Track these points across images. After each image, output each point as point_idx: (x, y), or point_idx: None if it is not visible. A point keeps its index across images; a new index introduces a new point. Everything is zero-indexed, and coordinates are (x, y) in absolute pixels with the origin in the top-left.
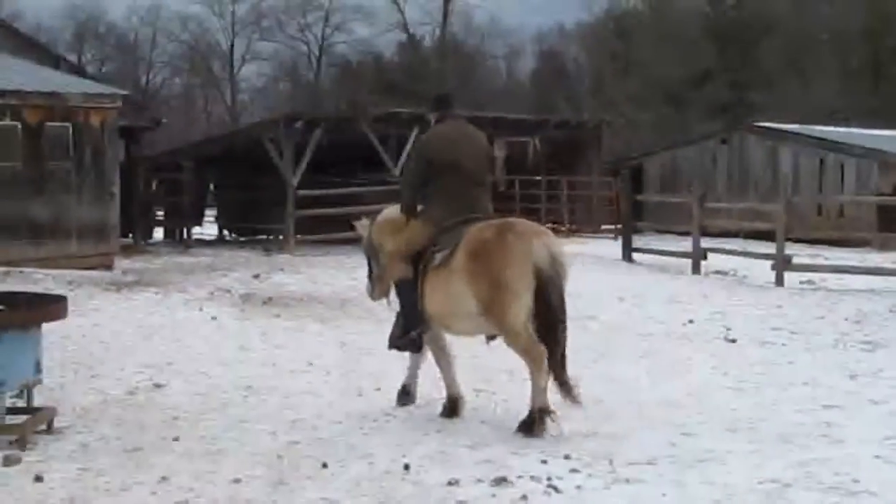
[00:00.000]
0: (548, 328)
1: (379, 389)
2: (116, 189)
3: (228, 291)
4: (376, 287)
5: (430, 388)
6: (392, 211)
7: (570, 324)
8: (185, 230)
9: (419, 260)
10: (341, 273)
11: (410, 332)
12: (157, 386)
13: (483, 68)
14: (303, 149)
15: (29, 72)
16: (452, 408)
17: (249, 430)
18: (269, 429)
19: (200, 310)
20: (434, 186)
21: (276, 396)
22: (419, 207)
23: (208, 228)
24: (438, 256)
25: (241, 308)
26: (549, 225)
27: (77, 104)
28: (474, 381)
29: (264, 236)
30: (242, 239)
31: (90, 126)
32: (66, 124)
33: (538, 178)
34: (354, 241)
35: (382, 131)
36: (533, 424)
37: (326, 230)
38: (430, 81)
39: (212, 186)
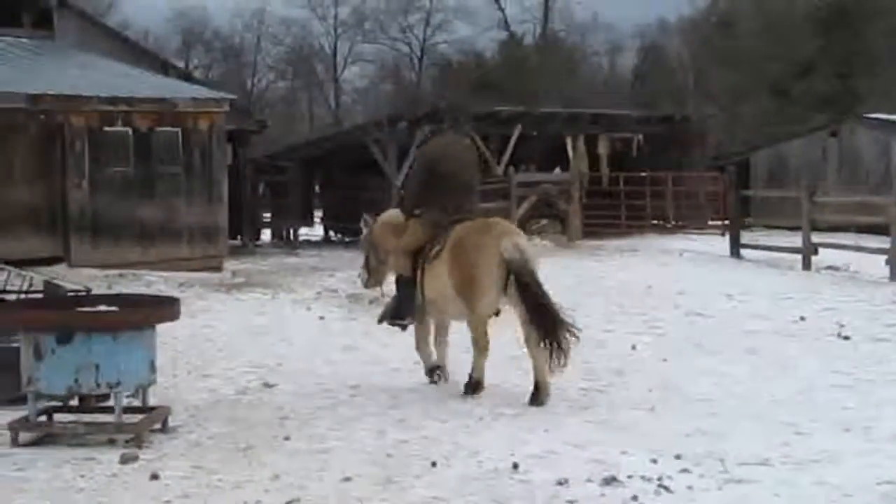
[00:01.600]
0: (534, 306)
1: (485, 388)
2: (224, 191)
3: (335, 292)
4: (371, 277)
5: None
6: (393, 213)
7: (677, 319)
8: (291, 231)
9: (418, 256)
10: None
11: (402, 318)
12: (267, 385)
13: (584, 64)
14: (406, 149)
15: (139, 79)
16: (430, 376)
17: (357, 429)
18: (377, 427)
19: (308, 310)
20: (433, 192)
21: (382, 395)
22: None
23: (316, 229)
24: (434, 251)
25: (348, 308)
26: (655, 221)
27: (185, 109)
28: (580, 381)
29: None
30: (348, 239)
31: (198, 130)
32: (176, 129)
33: (642, 174)
34: None
35: (485, 130)
36: (475, 388)
37: None
38: (531, 78)
39: (317, 187)
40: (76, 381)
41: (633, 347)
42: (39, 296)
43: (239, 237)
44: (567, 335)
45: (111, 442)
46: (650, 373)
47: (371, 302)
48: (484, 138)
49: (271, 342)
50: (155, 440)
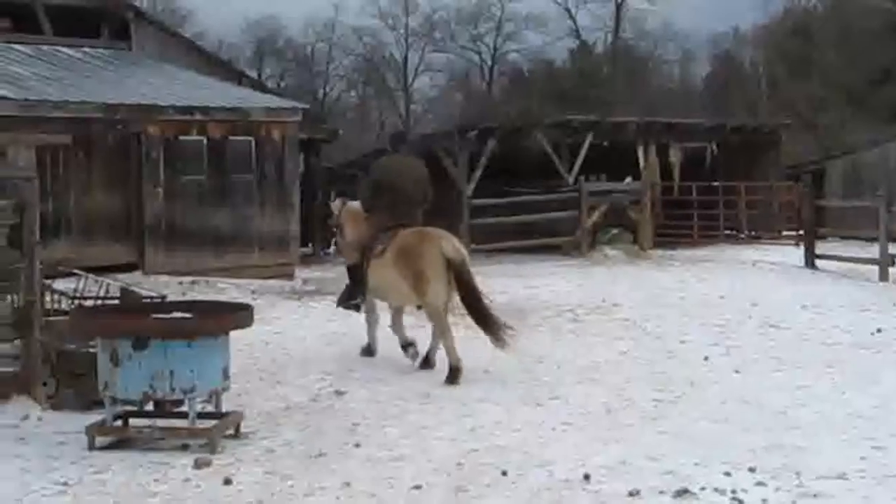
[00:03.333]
0: (471, 299)
1: (556, 398)
2: (296, 200)
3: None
4: (343, 253)
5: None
6: (357, 204)
7: (752, 331)
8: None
9: (365, 250)
10: (516, 282)
11: (354, 299)
12: (339, 393)
13: (656, 73)
14: (476, 158)
15: (213, 88)
16: (369, 351)
17: (428, 438)
18: (448, 436)
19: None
20: (378, 200)
21: (453, 404)
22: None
23: None
24: (379, 249)
25: (418, 317)
26: (727, 232)
27: (259, 118)
28: (653, 392)
29: None
30: None
31: (271, 139)
32: (249, 138)
33: (715, 183)
34: (530, 251)
35: (555, 139)
36: (455, 375)
37: (500, 239)
38: (602, 87)
39: None
40: (151, 386)
41: (706, 359)
42: (116, 302)
43: (310, 245)
44: (497, 328)
45: (185, 447)
46: (724, 384)
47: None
48: (555, 147)
49: (343, 349)
50: (228, 446)
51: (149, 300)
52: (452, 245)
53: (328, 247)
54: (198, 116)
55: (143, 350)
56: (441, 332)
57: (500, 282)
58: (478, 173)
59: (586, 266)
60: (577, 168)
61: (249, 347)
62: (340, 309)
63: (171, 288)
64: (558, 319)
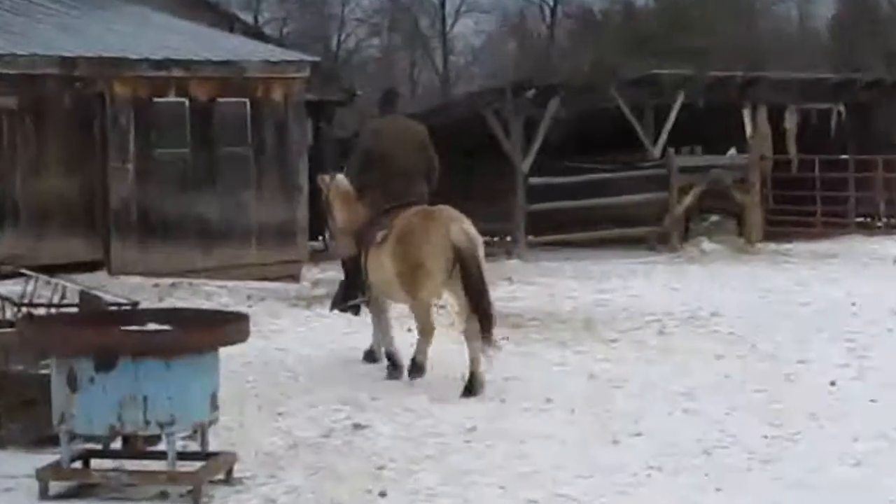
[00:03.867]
0: (474, 295)
1: (639, 434)
2: (304, 180)
3: (444, 307)
4: (336, 242)
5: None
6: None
7: (893, 348)
8: None
9: (361, 237)
10: (586, 284)
11: (351, 299)
12: (358, 427)
13: (767, 15)
14: (534, 124)
15: (197, 36)
16: (394, 364)
17: (474, 485)
18: (498, 482)
19: (409, 330)
20: (370, 174)
21: (505, 441)
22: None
23: None
24: (379, 235)
25: (461, 329)
26: (860, 219)
27: (255, 75)
28: (764, 427)
29: (487, 238)
30: None
31: (272, 101)
32: (243, 100)
33: (844, 156)
34: (604, 244)
35: (637, 100)
36: (417, 370)
37: (566, 229)
38: (697, 34)
39: None
40: (119, 418)
41: (833, 384)
42: (74, 310)
43: (321, 238)
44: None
45: (163, 496)
46: (856, 417)
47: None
48: (636, 110)
49: (363, 371)
50: (217, 494)
51: (116, 308)
52: (463, 229)
53: None
54: (178, 72)
55: (109, 371)
56: (425, 334)
57: (564, 284)
58: (536, 145)
59: (677, 263)
60: (664, 137)
61: (245, 368)
62: (336, 312)
63: (145, 292)
64: (641, 332)
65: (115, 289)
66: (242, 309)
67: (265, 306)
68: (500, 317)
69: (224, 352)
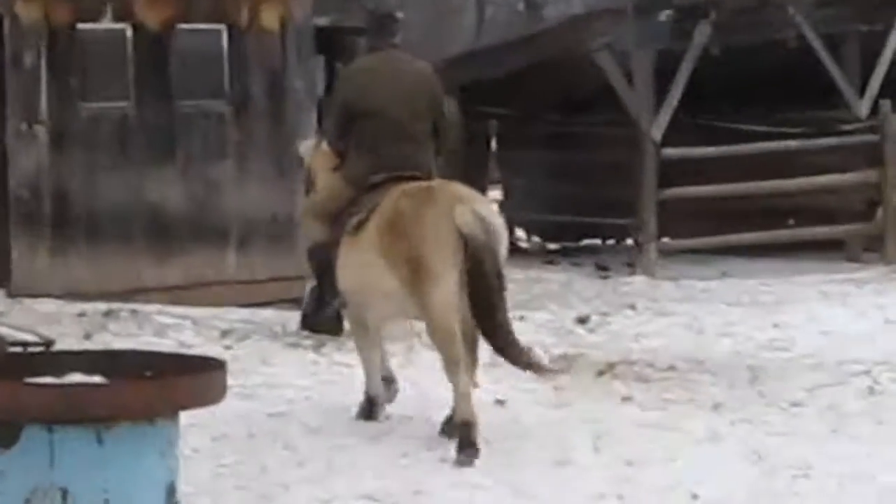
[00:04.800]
0: (482, 308)
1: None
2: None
3: (521, 319)
4: (302, 225)
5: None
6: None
7: None
8: None
9: (335, 223)
10: (750, 313)
11: (325, 312)
12: None
13: None
14: (671, 67)
15: None
16: (369, 409)
17: None
18: None
19: (475, 386)
20: (353, 136)
21: None
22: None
23: None
24: (354, 220)
25: (554, 383)
26: None
27: None
28: None
29: (597, 240)
30: (553, 246)
31: (261, 29)
32: (217, 27)
33: None
34: (777, 251)
35: (827, 27)
36: (468, 437)
37: (716, 227)
38: None
39: (493, 144)
40: None
41: None
42: None
43: None
44: (527, 358)
45: None
46: None
47: (601, 373)
48: (829, 43)
49: (400, 446)
50: None
51: (20, 349)
52: (474, 211)
53: None
54: None
55: (9, 448)
56: (451, 365)
57: (718, 314)
58: (675, 96)
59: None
60: (875, 86)
61: (219, 444)
62: (307, 334)
63: (65, 324)
64: (838, 391)
65: (17, 318)
66: (215, 351)
67: (251, 347)
68: (625, 365)
69: (187, 418)
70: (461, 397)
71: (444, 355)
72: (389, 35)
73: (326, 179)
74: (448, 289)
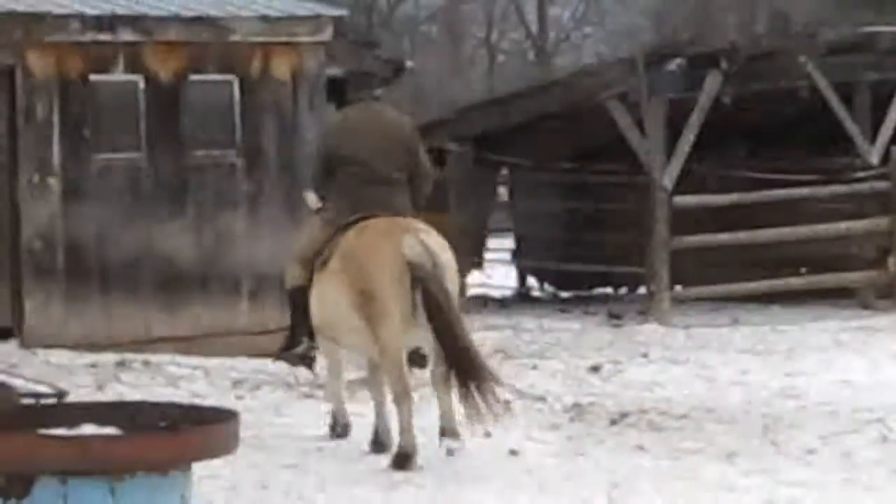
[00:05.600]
0: (440, 333)
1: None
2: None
3: (542, 399)
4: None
5: None
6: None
7: None
8: None
9: (311, 261)
10: (765, 363)
11: (296, 345)
12: None
13: None
14: (682, 116)
15: None
16: (335, 428)
17: None
18: None
19: (487, 436)
20: (333, 182)
21: None
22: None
23: (502, 273)
24: (321, 258)
25: (568, 433)
26: None
27: (248, 38)
28: None
29: (609, 289)
30: (566, 294)
31: (273, 80)
32: (228, 77)
33: None
34: (789, 299)
35: (841, 75)
36: (403, 461)
37: (727, 275)
38: None
39: (505, 192)
40: None
41: None
42: None
43: None
44: (487, 381)
45: None
46: None
47: (614, 422)
48: (839, 91)
49: (415, 496)
50: None
51: (33, 400)
52: (420, 242)
53: None
54: (127, 35)
55: (22, 500)
56: (398, 395)
57: (731, 363)
58: (686, 144)
59: None
60: (886, 135)
61: (231, 494)
62: (283, 365)
63: (77, 375)
64: (852, 440)
65: (30, 369)
66: (228, 402)
67: (263, 397)
68: (639, 414)
69: (200, 469)
70: (406, 428)
71: (393, 386)
72: (368, 88)
73: (309, 224)
74: (395, 320)
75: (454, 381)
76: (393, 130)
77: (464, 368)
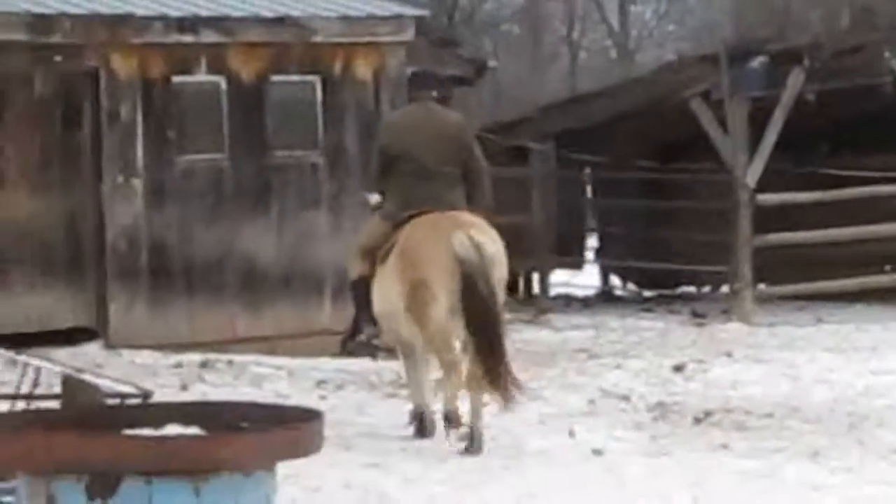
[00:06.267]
0: (478, 329)
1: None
2: None
3: (626, 398)
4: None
5: None
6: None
7: None
8: (536, 277)
9: (372, 254)
10: (852, 361)
11: (358, 334)
12: None
13: None
14: (765, 113)
15: None
16: (419, 425)
17: None
18: None
19: (571, 435)
20: (389, 178)
21: None
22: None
23: (586, 272)
24: (382, 252)
25: (651, 432)
26: None
27: (329, 39)
28: None
29: (692, 288)
30: (648, 294)
31: (355, 80)
32: (310, 78)
33: None
34: (876, 297)
35: None
36: (448, 419)
37: (816, 273)
38: None
39: (589, 190)
40: None
41: None
42: (53, 404)
43: None
44: (509, 381)
45: None
46: None
47: (698, 421)
48: None
49: (498, 492)
50: None
51: (118, 401)
52: (470, 237)
53: None
54: (209, 37)
55: (109, 499)
56: (446, 371)
57: (816, 361)
58: (769, 142)
59: None
60: None
61: (316, 494)
62: (349, 358)
63: (161, 375)
64: None
65: (114, 370)
66: (311, 401)
67: (347, 397)
68: (723, 413)
69: (284, 469)
70: (451, 394)
71: (440, 359)
72: (426, 89)
73: (370, 220)
74: (443, 305)
75: (489, 381)
76: (442, 127)
77: (492, 367)
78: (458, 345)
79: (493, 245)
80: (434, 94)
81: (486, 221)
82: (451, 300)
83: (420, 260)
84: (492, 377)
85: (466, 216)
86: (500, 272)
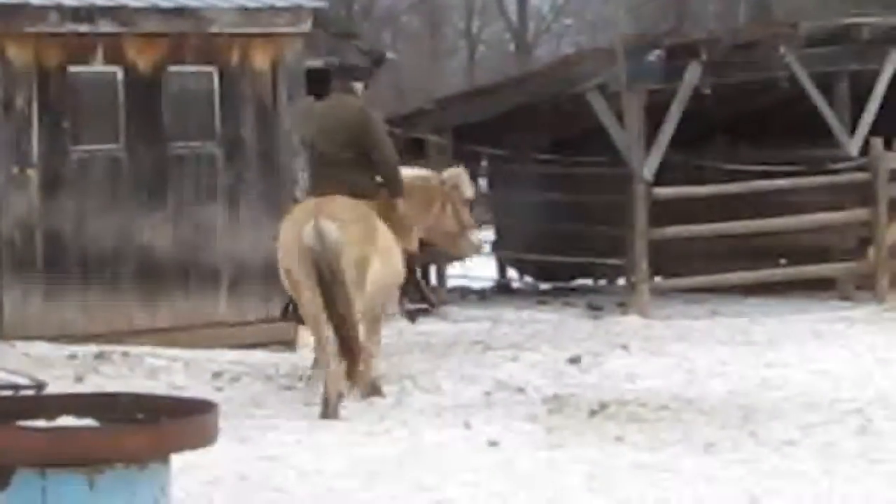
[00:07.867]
0: (326, 298)
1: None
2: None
3: (521, 391)
4: None
5: None
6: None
7: None
8: (432, 270)
9: None
10: (742, 353)
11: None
12: None
13: None
14: (661, 105)
15: None
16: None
17: None
18: None
19: (467, 427)
20: (309, 164)
21: None
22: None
23: (481, 265)
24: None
25: (547, 424)
26: None
27: (227, 30)
28: None
29: (588, 281)
30: (545, 286)
31: (253, 71)
32: (208, 69)
33: None
34: (769, 291)
35: (821, 64)
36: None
37: (707, 267)
38: None
39: (484, 183)
40: None
41: None
42: None
43: None
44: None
45: None
46: None
47: (593, 413)
48: (819, 82)
49: (392, 486)
50: None
51: (11, 392)
52: (317, 227)
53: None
54: (105, 26)
55: (1, 491)
56: (318, 353)
57: (710, 354)
58: (666, 135)
59: (888, 321)
60: (866, 124)
61: (210, 488)
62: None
63: (56, 367)
64: (832, 430)
65: (8, 362)
66: (207, 393)
67: (243, 390)
68: (618, 406)
69: (179, 461)
70: (326, 377)
71: (315, 341)
72: (343, 82)
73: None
74: (307, 291)
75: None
76: (340, 114)
77: (341, 336)
78: (327, 328)
79: (338, 231)
80: (353, 86)
81: (358, 204)
82: (310, 286)
83: (284, 249)
84: (344, 358)
85: (332, 202)
86: (347, 258)
